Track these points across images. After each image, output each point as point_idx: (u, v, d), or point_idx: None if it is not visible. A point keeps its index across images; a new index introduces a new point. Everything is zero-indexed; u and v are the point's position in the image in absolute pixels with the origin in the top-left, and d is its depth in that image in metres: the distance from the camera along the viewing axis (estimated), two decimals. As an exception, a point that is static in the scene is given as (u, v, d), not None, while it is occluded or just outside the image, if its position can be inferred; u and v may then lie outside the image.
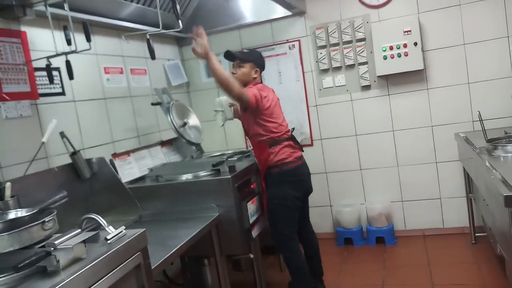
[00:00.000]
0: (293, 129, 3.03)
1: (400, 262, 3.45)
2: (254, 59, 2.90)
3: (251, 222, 2.69)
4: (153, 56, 2.79)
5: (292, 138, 2.87)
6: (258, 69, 2.89)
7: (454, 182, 3.71)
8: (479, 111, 2.99)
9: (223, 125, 3.19)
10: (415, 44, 3.55)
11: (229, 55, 2.89)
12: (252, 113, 2.73)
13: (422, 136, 3.75)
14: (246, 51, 3.05)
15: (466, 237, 3.63)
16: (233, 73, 2.86)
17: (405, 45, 3.57)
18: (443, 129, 3.68)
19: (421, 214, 3.85)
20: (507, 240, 2.10)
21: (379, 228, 3.81)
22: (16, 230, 1.38)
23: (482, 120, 2.86)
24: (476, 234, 3.53)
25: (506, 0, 3.41)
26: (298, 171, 2.82)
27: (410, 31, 3.55)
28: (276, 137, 2.76)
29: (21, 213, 1.57)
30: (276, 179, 2.76)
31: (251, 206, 2.75)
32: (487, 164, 2.38)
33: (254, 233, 2.74)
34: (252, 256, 2.80)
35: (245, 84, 2.81)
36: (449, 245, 3.58)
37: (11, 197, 1.91)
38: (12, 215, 1.57)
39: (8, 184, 1.92)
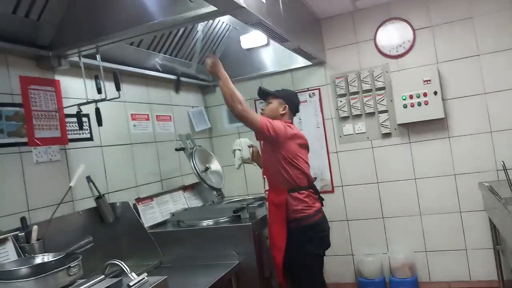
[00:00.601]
0: (315, 178, 2.95)
1: (425, 316, 3.32)
2: (285, 95, 2.79)
3: (271, 270, 2.65)
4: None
5: (313, 186, 2.68)
6: (287, 105, 2.75)
7: (480, 232, 3.60)
8: (503, 161, 2.95)
9: (240, 166, 3.07)
10: (435, 93, 3.58)
11: (261, 92, 2.84)
12: (272, 147, 2.55)
13: (445, 185, 3.70)
14: (279, 89, 2.89)
15: (495, 291, 3.49)
16: (261, 110, 2.78)
17: (425, 94, 3.60)
18: (466, 178, 3.63)
19: (446, 266, 3.73)
20: (538, 296, 2.01)
21: (403, 279, 3.69)
22: (42, 275, 1.41)
23: (506, 169, 2.82)
24: (505, 288, 3.39)
25: (525, 51, 3.46)
26: (319, 227, 2.60)
27: (429, 80, 3.59)
28: (298, 183, 2.56)
29: (48, 257, 1.60)
30: (295, 236, 2.51)
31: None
32: (514, 215, 2.33)
33: (275, 281, 2.70)
34: (272, 305, 2.74)
35: (273, 119, 2.61)
36: (477, 300, 3.44)
37: (37, 240, 1.95)
38: (38, 259, 1.60)
39: (35, 228, 1.96)
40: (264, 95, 2.83)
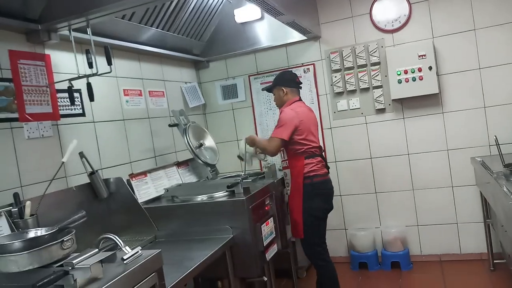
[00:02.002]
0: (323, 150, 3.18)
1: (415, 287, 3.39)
2: (276, 83, 3.15)
3: (265, 244, 2.68)
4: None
5: (322, 155, 3.09)
6: (282, 88, 3.09)
7: (471, 206, 3.65)
8: (495, 136, 2.97)
9: (251, 161, 3.36)
10: (430, 68, 3.56)
11: (267, 90, 3.26)
12: None
13: (437, 160, 3.73)
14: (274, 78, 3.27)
15: (484, 263, 3.55)
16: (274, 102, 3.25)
17: (419, 69, 3.59)
18: (459, 153, 3.66)
19: (438, 239, 3.79)
20: (526, 267, 2.06)
21: (395, 252, 3.76)
22: (35, 249, 1.41)
23: (499, 144, 2.84)
24: (495, 261, 3.46)
25: (521, 25, 3.43)
26: (327, 184, 3.06)
27: (425, 55, 3.57)
28: (311, 151, 2.99)
29: (41, 232, 1.60)
30: (307, 191, 2.93)
31: (266, 228, 2.75)
32: (505, 189, 2.35)
33: (268, 255, 2.73)
34: (265, 279, 2.78)
35: (282, 105, 3.10)
36: (466, 272, 3.51)
37: (31, 215, 1.96)
38: (31, 234, 1.60)
39: (28, 203, 1.96)
40: (268, 91, 3.26)
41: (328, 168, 3.13)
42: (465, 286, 3.28)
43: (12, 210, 1.95)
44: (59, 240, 1.44)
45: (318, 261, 3.03)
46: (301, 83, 3.20)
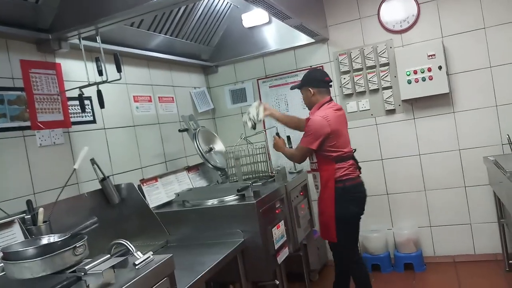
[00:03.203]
0: (355, 150, 3.11)
1: (430, 290, 3.35)
2: (304, 83, 3.04)
3: (276, 247, 2.68)
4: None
5: (354, 158, 3.01)
6: (311, 89, 2.98)
7: (485, 206, 3.61)
8: (508, 135, 2.93)
9: (252, 126, 3.24)
10: (440, 68, 3.53)
11: (292, 87, 3.21)
12: None
13: (449, 160, 3.69)
14: (302, 77, 3.15)
15: (499, 264, 3.50)
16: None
17: (429, 69, 3.56)
18: (471, 153, 3.62)
19: (451, 240, 3.75)
20: (541, 268, 2.03)
21: (408, 254, 3.73)
22: (48, 255, 1.43)
23: (511, 143, 2.80)
24: (510, 261, 3.41)
25: (532, 22, 3.39)
26: (360, 188, 2.98)
27: (434, 55, 3.55)
28: (342, 155, 2.90)
29: (53, 238, 1.62)
30: (340, 195, 2.86)
31: (276, 232, 2.75)
32: (518, 189, 2.33)
33: (280, 259, 2.73)
34: (277, 282, 2.77)
35: (311, 106, 3.02)
36: (481, 273, 3.46)
37: (44, 222, 1.98)
38: (45, 240, 1.62)
39: (41, 210, 1.99)
40: (293, 88, 3.20)
41: (360, 169, 3.04)
42: (479, 287, 3.23)
43: (26, 217, 1.98)
44: (71, 246, 1.46)
45: (351, 264, 2.98)
46: (331, 81, 3.07)
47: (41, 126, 2.34)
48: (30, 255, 1.45)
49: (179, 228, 2.68)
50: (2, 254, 1.52)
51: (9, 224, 1.90)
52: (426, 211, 3.80)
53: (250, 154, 3.50)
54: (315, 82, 2.99)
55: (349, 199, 2.88)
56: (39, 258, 1.41)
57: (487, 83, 3.54)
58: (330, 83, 3.07)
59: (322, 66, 4.00)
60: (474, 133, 3.60)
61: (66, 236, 1.57)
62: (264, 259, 2.55)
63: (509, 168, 2.79)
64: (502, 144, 3.49)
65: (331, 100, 3.02)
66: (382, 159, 3.89)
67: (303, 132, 2.96)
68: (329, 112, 2.88)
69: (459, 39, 3.58)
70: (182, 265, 2.11)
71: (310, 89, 2.97)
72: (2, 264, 1.52)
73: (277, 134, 3.28)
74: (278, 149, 3.17)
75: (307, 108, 3.13)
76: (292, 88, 3.20)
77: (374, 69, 3.83)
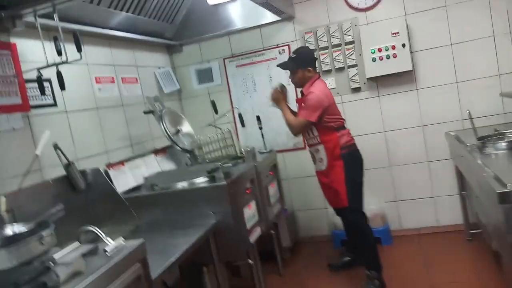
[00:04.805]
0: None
1: (397, 262, 3.46)
2: (302, 63, 3.08)
3: (248, 227, 2.69)
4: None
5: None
6: (307, 67, 3.06)
7: (447, 180, 3.74)
8: (468, 110, 3.03)
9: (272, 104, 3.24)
10: (403, 45, 3.58)
11: (281, 67, 3.19)
12: None
13: (413, 136, 3.79)
14: (293, 55, 3.16)
15: (461, 234, 3.66)
16: (292, 80, 3.18)
17: (393, 47, 3.60)
18: (434, 129, 3.72)
19: (416, 213, 3.88)
20: (501, 236, 2.12)
21: (375, 228, 3.81)
22: (14, 245, 1.36)
23: (472, 118, 2.90)
24: (471, 231, 3.57)
25: (491, 1, 3.47)
26: (360, 153, 3.16)
27: (398, 33, 3.59)
28: (341, 123, 3.09)
29: (18, 227, 1.54)
30: (348, 160, 3.02)
31: (248, 212, 2.75)
32: (479, 161, 2.41)
33: (252, 238, 2.74)
34: (251, 262, 2.80)
35: (304, 84, 3.09)
36: (444, 243, 3.61)
37: (6, 211, 1.89)
38: (8, 230, 1.55)
39: (3, 199, 1.90)
40: (284, 67, 3.20)
41: None
42: (443, 257, 3.38)
43: (-14, 207, 1.88)
44: (38, 235, 1.40)
45: (362, 225, 3.16)
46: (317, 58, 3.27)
47: (2, 109, 2.21)
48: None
49: (149, 213, 2.64)
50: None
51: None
52: (392, 187, 3.91)
53: (217, 140, 3.49)
54: (311, 62, 3.11)
55: (356, 163, 3.09)
56: (3, 248, 1.34)
57: (448, 60, 3.63)
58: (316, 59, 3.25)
59: (288, 45, 3.97)
60: (436, 109, 3.70)
61: (32, 225, 1.50)
62: (237, 239, 2.56)
63: (469, 142, 2.89)
64: (463, 120, 3.60)
65: (320, 77, 3.17)
66: (349, 137, 3.93)
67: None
68: (324, 87, 3.08)
69: (422, 17, 3.63)
70: (154, 249, 2.08)
71: (307, 67, 3.06)
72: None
73: (282, 86, 3.23)
74: (278, 103, 3.17)
75: (295, 85, 3.26)
76: (280, 66, 3.20)
77: (340, 48, 3.84)
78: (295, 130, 3.10)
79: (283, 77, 3.98)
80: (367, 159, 3.87)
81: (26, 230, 1.48)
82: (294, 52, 3.19)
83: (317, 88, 3.01)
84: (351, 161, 3.05)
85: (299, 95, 3.39)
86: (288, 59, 3.20)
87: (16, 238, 1.42)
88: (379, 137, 3.88)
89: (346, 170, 3.02)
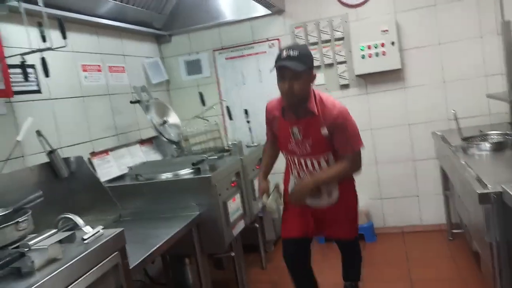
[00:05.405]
0: None
1: (379, 259, 3.50)
2: (311, 64, 2.16)
3: (231, 220, 2.69)
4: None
5: None
6: (313, 72, 2.19)
7: (432, 179, 3.77)
8: (454, 111, 3.04)
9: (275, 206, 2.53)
10: (393, 43, 3.60)
11: (291, 66, 2.06)
12: None
13: (399, 134, 3.81)
14: (294, 53, 2.07)
15: (443, 233, 3.70)
16: (289, 89, 2.09)
17: (382, 45, 3.61)
18: (420, 128, 3.75)
19: (400, 211, 3.91)
20: (481, 236, 2.15)
21: (359, 225, 3.84)
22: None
23: (457, 119, 2.92)
24: (453, 231, 3.60)
25: (479, 1, 3.49)
26: None
27: (387, 30, 3.59)
28: None
29: (-3, 212, 1.53)
30: (352, 182, 2.50)
31: (232, 205, 2.75)
32: (462, 162, 2.43)
33: (235, 231, 2.74)
34: (233, 254, 2.80)
35: (306, 95, 2.15)
36: (427, 242, 3.65)
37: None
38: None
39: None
40: (294, 67, 2.06)
41: None
42: (425, 255, 3.41)
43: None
44: (14, 221, 1.38)
45: (359, 250, 2.68)
46: None
47: (-21, 95, 2.18)
48: (-32, 231, 1.36)
49: (132, 203, 2.63)
50: None
51: None
52: (378, 184, 3.93)
53: (204, 132, 3.48)
54: (313, 64, 2.21)
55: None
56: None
57: (435, 59, 3.65)
58: None
59: (278, 39, 3.96)
60: (423, 108, 3.72)
61: (8, 211, 1.48)
62: (220, 232, 2.55)
63: (454, 142, 2.91)
64: (448, 119, 3.63)
65: None
66: (336, 133, 3.94)
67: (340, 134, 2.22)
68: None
69: (411, 15, 3.64)
70: (135, 239, 2.08)
71: (313, 73, 2.18)
72: None
73: (277, 186, 2.52)
74: (303, 196, 2.29)
75: (294, 98, 2.13)
76: (296, 69, 2.06)
77: (329, 43, 3.84)
78: (358, 167, 2.32)
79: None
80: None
81: (1, 215, 1.46)
82: (293, 49, 2.10)
83: (335, 101, 2.24)
84: (353, 184, 2.51)
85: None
86: (292, 57, 2.07)
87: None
88: (365, 134, 3.88)
89: (355, 197, 2.51)
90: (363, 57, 3.67)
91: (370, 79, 3.80)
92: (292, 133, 2.26)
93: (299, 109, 2.21)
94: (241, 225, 2.86)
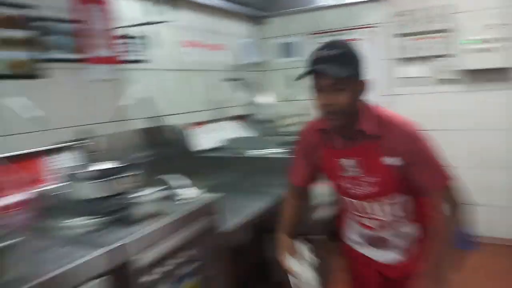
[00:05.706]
0: None
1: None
2: (362, 70, 1.52)
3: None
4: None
5: None
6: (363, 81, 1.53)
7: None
8: None
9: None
10: (504, 39, 3.29)
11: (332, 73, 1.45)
12: None
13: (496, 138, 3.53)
14: (333, 53, 1.46)
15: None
16: (322, 103, 1.50)
17: (492, 40, 3.33)
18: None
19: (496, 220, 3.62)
20: None
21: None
22: (107, 179, 1.46)
23: None
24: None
25: None
26: None
27: (500, 24, 3.30)
28: None
29: (111, 164, 1.64)
30: None
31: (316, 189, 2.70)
32: None
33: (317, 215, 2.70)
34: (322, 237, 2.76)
35: (353, 111, 1.51)
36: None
37: (96, 151, 2.02)
38: (104, 165, 1.65)
39: (95, 139, 2.02)
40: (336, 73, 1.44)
41: None
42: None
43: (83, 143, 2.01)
44: (130, 173, 1.48)
45: None
46: None
47: (93, 60, 2.34)
48: (92, 176, 1.48)
49: (222, 174, 2.70)
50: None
51: (66, 149, 1.94)
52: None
53: (295, 114, 3.47)
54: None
55: None
56: (99, 180, 1.44)
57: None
58: None
59: (376, 26, 3.80)
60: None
61: (125, 164, 1.59)
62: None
63: None
64: None
65: None
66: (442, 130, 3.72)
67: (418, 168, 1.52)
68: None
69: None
70: (230, 206, 2.12)
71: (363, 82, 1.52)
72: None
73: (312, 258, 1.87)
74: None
75: (337, 117, 1.49)
76: (337, 77, 1.44)
77: (435, 34, 3.59)
78: (458, 205, 1.53)
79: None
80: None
81: (118, 167, 1.57)
82: (332, 47, 1.49)
83: (402, 118, 1.56)
84: None
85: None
86: (331, 59, 1.45)
87: (108, 173, 1.51)
88: (464, 135, 3.64)
89: None
90: (472, 51, 3.40)
91: (476, 75, 3.51)
92: (343, 167, 1.62)
93: (348, 132, 1.56)
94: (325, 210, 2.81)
